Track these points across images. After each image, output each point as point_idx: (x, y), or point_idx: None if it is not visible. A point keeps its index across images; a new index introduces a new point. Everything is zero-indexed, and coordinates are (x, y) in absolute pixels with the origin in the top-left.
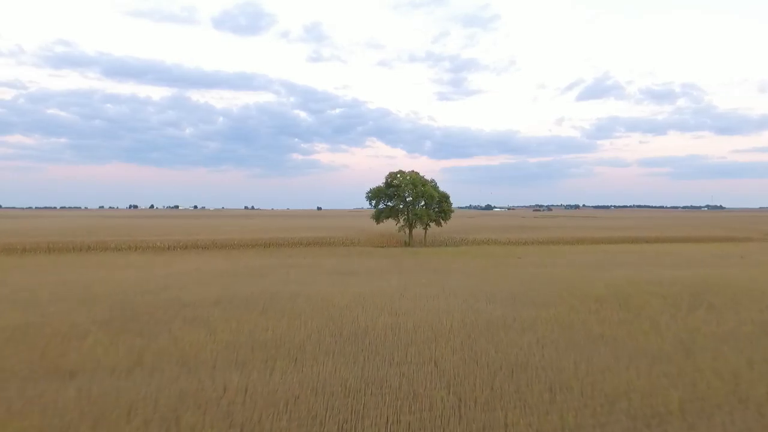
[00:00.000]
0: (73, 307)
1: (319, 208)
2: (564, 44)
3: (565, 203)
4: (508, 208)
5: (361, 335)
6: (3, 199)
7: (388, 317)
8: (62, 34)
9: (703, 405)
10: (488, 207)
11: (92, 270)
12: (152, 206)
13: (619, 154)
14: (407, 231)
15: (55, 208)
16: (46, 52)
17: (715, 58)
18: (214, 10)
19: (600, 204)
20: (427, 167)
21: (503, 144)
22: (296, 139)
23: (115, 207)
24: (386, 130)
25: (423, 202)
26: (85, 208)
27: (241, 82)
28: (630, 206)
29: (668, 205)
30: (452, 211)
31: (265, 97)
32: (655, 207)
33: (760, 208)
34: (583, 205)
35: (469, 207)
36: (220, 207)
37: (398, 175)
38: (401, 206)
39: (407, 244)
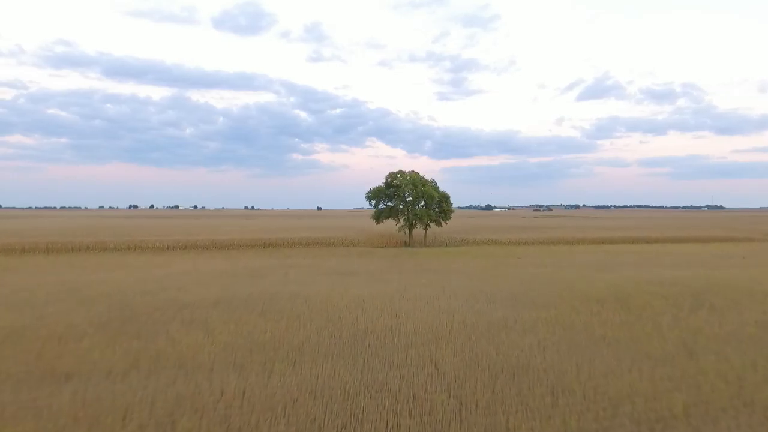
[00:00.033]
0: (71, 308)
1: (319, 208)
2: (564, 44)
3: (565, 203)
4: (508, 208)
5: (360, 337)
6: (3, 199)
7: (387, 319)
8: (62, 34)
9: (707, 408)
10: (488, 207)
11: (91, 270)
12: (152, 206)
13: (619, 154)
14: (407, 231)
15: (55, 208)
16: (47, 52)
17: (715, 58)
18: (214, 10)
19: (600, 204)
20: (427, 167)
21: (503, 144)
22: (296, 139)
23: (115, 207)
24: (386, 130)
25: (423, 203)
26: (85, 208)
27: (242, 82)
28: (630, 206)
29: (668, 205)
30: (452, 212)
31: (265, 97)
32: (655, 207)
33: (761, 208)
34: (583, 205)
35: (469, 207)
36: (220, 207)
37: (398, 175)
38: (401, 206)
39: (407, 245)
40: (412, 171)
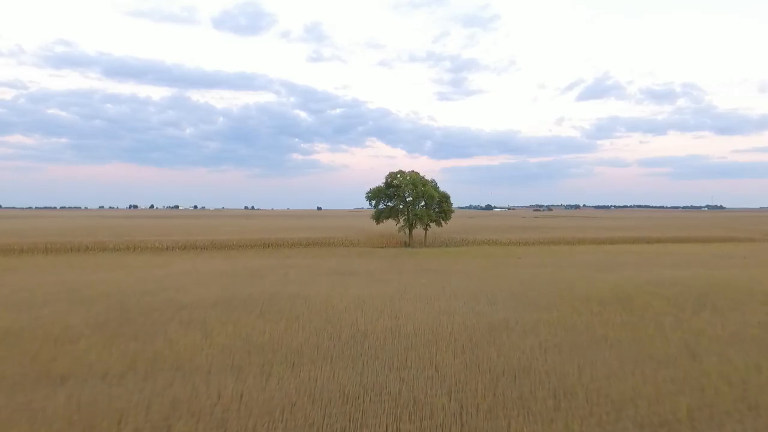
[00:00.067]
0: (68, 308)
1: (319, 208)
2: (564, 44)
3: (565, 203)
4: (509, 208)
5: (360, 339)
6: (3, 199)
7: (387, 320)
8: (62, 34)
9: (711, 412)
10: (488, 207)
11: (89, 271)
12: (152, 206)
13: (619, 154)
14: (407, 231)
15: (55, 208)
16: (47, 52)
17: (715, 58)
18: (214, 10)
19: (600, 204)
20: (427, 167)
21: (503, 144)
22: (296, 139)
23: (115, 207)
24: (386, 130)
25: (423, 203)
26: (85, 208)
27: (242, 82)
28: (630, 206)
29: (668, 205)
30: (452, 212)
31: (265, 97)
32: (655, 207)
33: (761, 208)
34: (584, 205)
35: (469, 207)
36: (220, 207)
37: (398, 175)
38: (401, 206)
39: (407, 245)
40: (412, 171)
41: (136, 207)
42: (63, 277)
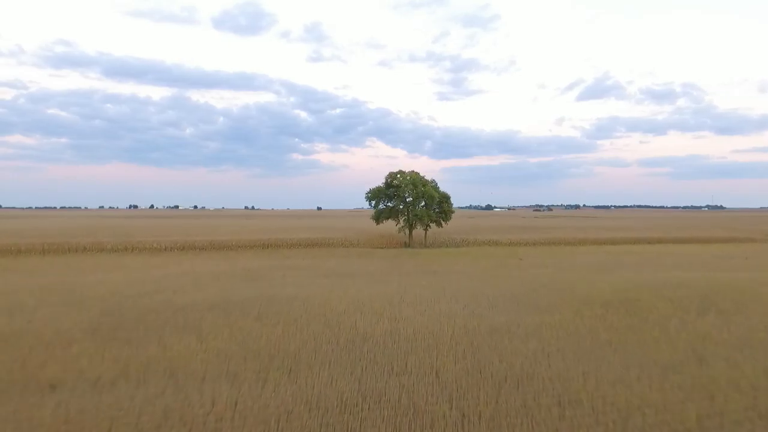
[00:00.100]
0: (62, 311)
1: (319, 208)
2: (564, 44)
3: (565, 203)
4: (509, 208)
5: (359, 343)
6: (3, 199)
7: (387, 323)
8: (62, 34)
9: (722, 421)
10: (488, 207)
11: (86, 272)
12: (152, 206)
13: (619, 154)
14: (407, 232)
15: (55, 208)
16: (47, 52)
17: (715, 58)
18: (214, 10)
19: (600, 204)
20: (427, 167)
21: (503, 144)
22: (296, 139)
23: (115, 207)
24: (386, 130)
25: (423, 203)
26: (85, 208)
27: (242, 82)
28: (630, 206)
29: (668, 205)
30: (453, 212)
31: (265, 97)
32: (656, 207)
33: (761, 208)
34: (584, 205)
35: (470, 207)
36: (221, 207)
37: (398, 176)
38: (401, 207)
39: (407, 245)
40: (412, 171)
41: (136, 207)
42: (59, 279)
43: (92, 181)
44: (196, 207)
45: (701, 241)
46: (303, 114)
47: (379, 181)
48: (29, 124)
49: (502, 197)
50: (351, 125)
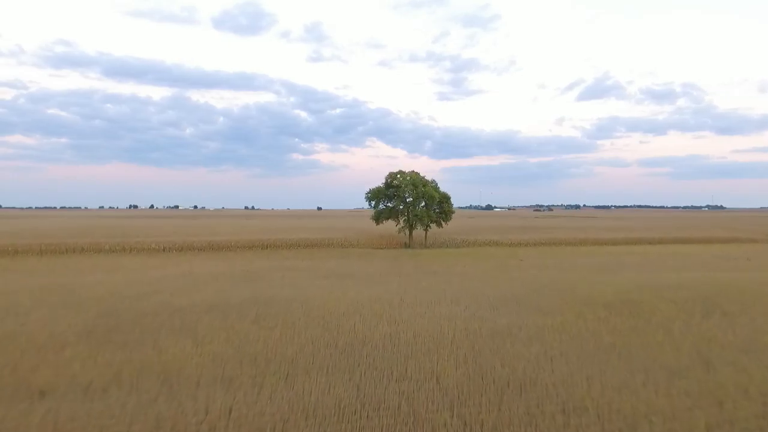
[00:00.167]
0: (56, 314)
1: (319, 209)
2: (564, 44)
3: (565, 203)
4: (509, 208)
5: (358, 346)
6: (3, 199)
7: (386, 326)
8: (62, 34)
9: (732, 429)
10: (488, 207)
11: (83, 273)
12: (152, 206)
13: (619, 154)
14: (407, 232)
15: (55, 208)
16: (47, 52)
17: (715, 58)
18: (214, 10)
19: (600, 204)
20: (427, 167)
21: (503, 144)
22: (296, 139)
23: (115, 207)
24: (386, 130)
25: (423, 203)
26: (85, 208)
27: (242, 82)
28: (630, 206)
29: (669, 205)
30: (453, 212)
31: (265, 97)
32: (656, 207)
33: (761, 208)
34: (584, 205)
35: (470, 207)
36: (220, 207)
37: (398, 176)
38: (401, 207)
39: (407, 246)
40: (413, 171)
41: (136, 207)
42: (55, 280)
43: (92, 181)
44: (196, 207)
45: (702, 241)
46: (303, 114)
47: (379, 181)
48: (29, 124)
49: (502, 197)
50: (351, 125)
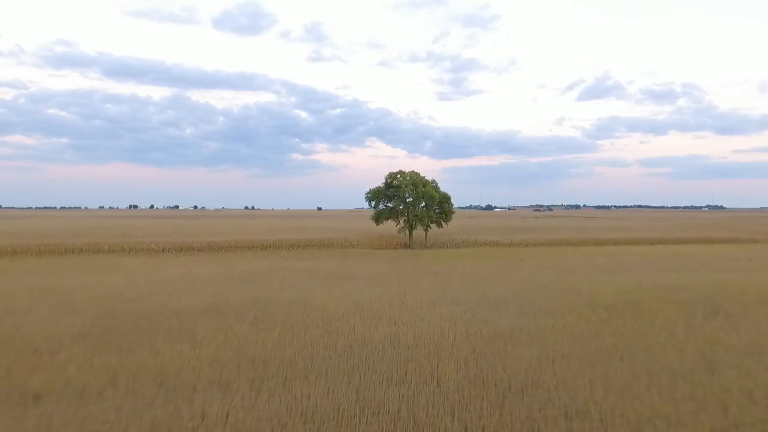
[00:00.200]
0: (53, 315)
1: (319, 209)
2: (564, 44)
3: (565, 203)
4: (509, 208)
5: (357, 349)
6: (3, 199)
7: (386, 327)
8: (62, 34)
9: None
10: (489, 207)
11: (81, 274)
12: (152, 206)
13: (619, 154)
14: (407, 232)
15: (55, 208)
16: (47, 52)
17: (715, 58)
18: (214, 10)
19: (600, 204)
20: (427, 167)
21: (503, 144)
22: (296, 139)
23: (115, 207)
24: (387, 130)
25: (423, 203)
26: (85, 208)
27: (242, 82)
28: (630, 206)
29: (669, 205)
30: (453, 212)
31: (265, 97)
32: (656, 207)
33: (761, 208)
34: (584, 205)
35: (470, 207)
36: (221, 207)
37: (398, 176)
38: (401, 207)
39: (407, 246)
40: (413, 171)
41: (136, 207)
42: (53, 281)
43: (92, 181)
44: (196, 207)
45: (703, 241)
46: (303, 114)
47: (379, 181)
48: (29, 124)
49: (502, 197)
50: (351, 125)
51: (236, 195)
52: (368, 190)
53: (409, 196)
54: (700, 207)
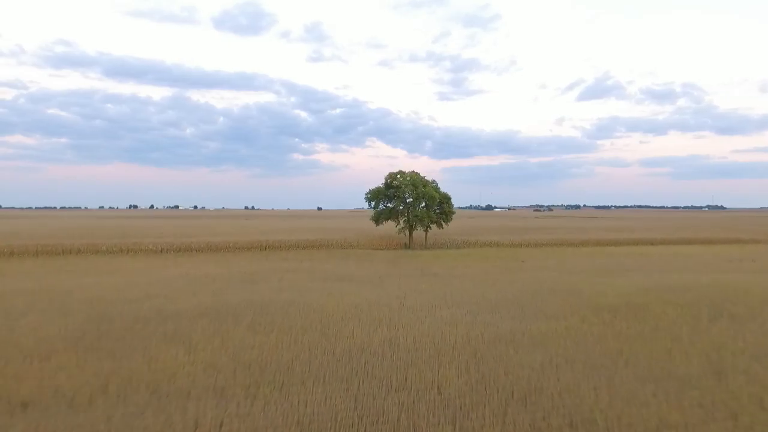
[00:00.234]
0: (46, 319)
1: (319, 209)
2: (564, 44)
3: (565, 203)
4: (509, 208)
5: (356, 354)
6: (3, 199)
7: (386, 330)
8: (62, 34)
9: None
10: (489, 207)
11: (78, 275)
12: (152, 206)
13: (619, 154)
14: (407, 233)
15: (55, 208)
16: (47, 52)
17: (715, 58)
18: (215, 10)
19: (600, 204)
20: (427, 167)
21: (504, 144)
22: (297, 139)
23: (115, 207)
24: (387, 130)
25: (423, 204)
26: (85, 208)
27: (242, 82)
28: (630, 206)
29: (669, 206)
30: (453, 213)
31: (265, 97)
32: (656, 207)
33: (761, 208)
34: (584, 206)
35: (470, 207)
36: (221, 207)
37: (398, 176)
38: (401, 207)
39: (407, 247)
40: (413, 171)
41: (136, 207)
42: (49, 283)
43: (92, 181)
44: (196, 207)
45: (704, 242)
46: (303, 114)
47: (379, 182)
48: (29, 124)
49: (502, 197)
50: (351, 125)
51: (236, 195)
52: (368, 191)
53: (409, 196)
54: (701, 207)
